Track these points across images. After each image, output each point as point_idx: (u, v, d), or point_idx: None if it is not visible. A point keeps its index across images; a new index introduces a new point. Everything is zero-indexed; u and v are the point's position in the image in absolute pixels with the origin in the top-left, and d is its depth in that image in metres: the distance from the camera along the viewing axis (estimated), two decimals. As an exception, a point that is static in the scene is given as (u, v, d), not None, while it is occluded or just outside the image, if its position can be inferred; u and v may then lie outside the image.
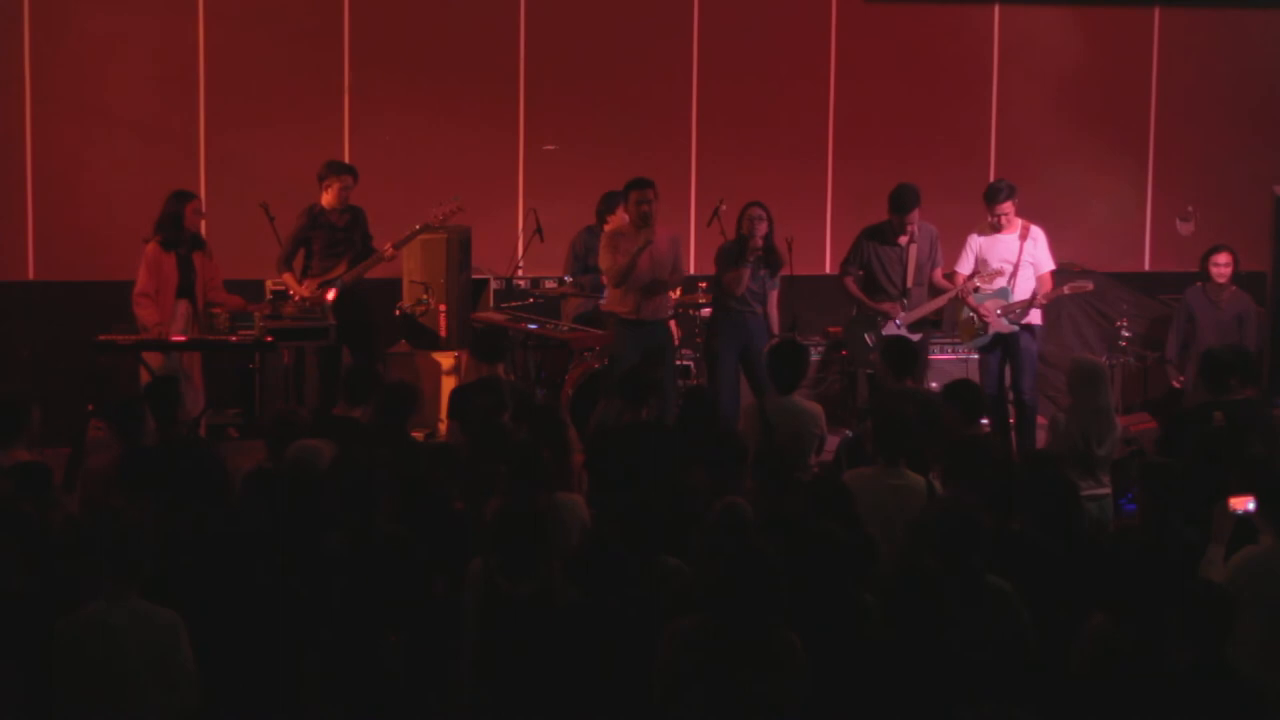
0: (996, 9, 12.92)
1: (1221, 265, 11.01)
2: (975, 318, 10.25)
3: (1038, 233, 10.26)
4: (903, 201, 10.15)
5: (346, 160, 11.15)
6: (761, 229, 10.04)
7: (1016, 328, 10.18)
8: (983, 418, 8.06)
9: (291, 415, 7.63)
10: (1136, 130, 13.10)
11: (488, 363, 8.57)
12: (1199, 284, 11.18)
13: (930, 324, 10.57)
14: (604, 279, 10.16)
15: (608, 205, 10.92)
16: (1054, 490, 6.29)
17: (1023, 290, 10.19)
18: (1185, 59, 13.12)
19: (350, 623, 5.77)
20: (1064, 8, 12.99)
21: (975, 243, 10.33)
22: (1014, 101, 12.93)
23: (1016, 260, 10.19)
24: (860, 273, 10.36)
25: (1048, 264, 10.27)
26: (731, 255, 10.13)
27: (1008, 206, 10.19)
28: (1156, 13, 13.09)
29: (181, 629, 5.43)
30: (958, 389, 7.94)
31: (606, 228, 10.58)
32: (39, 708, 5.54)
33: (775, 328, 10.25)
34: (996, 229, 10.24)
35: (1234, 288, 11.10)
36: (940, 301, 10.31)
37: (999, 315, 10.17)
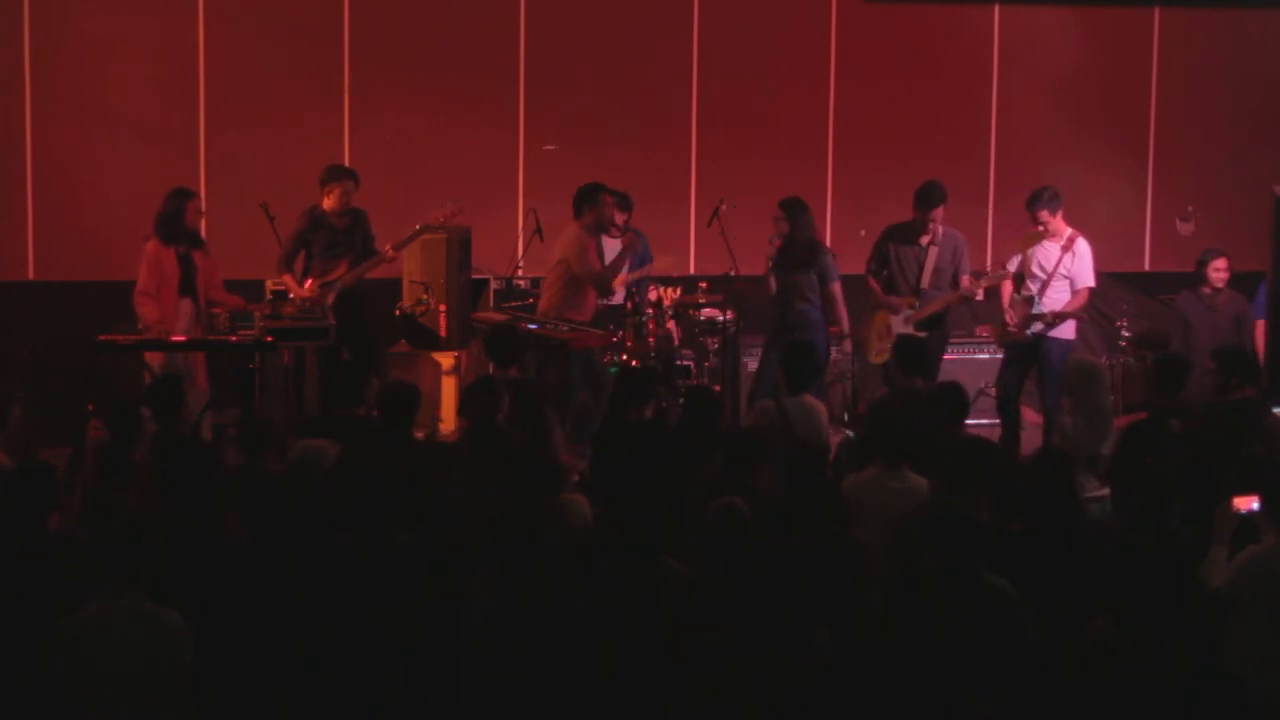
0: (996, 9, 12.92)
1: (1221, 270, 11.01)
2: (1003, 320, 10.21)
3: (1082, 247, 10.04)
4: (926, 197, 10.07)
5: (346, 160, 11.16)
6: (778, 229, 10.07)
7: (1031, 336, 10.10)
8: (965, 419, 8.03)
9: (264, 421, 7.65)
10: (1136, 130, 13.11)
11: (502, 366, 8.57)
12: (1191, 290, 11.17)
13: (932, 325, 10.54)
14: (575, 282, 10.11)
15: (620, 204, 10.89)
16: (1062, 491, 6.30)
17: (1051, 302, 10.06)
18: (1185, 59, 13.13)
19: (351, 624, 5.77)
20: (1064, 8, 13.00)
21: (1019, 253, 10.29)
22: (1014, 101, 12.93)
23: (1052, 270, 10.07)
24: (885, 272, 10.31)
25: (1085, 280, 10.09)
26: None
27: (1043, 214, 10.01)
28: (1156, 13, 13.09)
29: (187, 632, 5.42)
30: (941, 391, 7.95)
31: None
32: (40, 707, 5.54)
33: (841, 324, 10.15)
34: (1041, 236, 10.13)
35: (1229, 290, 11.10)
36: (949, 300, 10.23)
37: (1018, 323, 10.11)
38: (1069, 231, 10.10)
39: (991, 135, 12.95)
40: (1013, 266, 10.26)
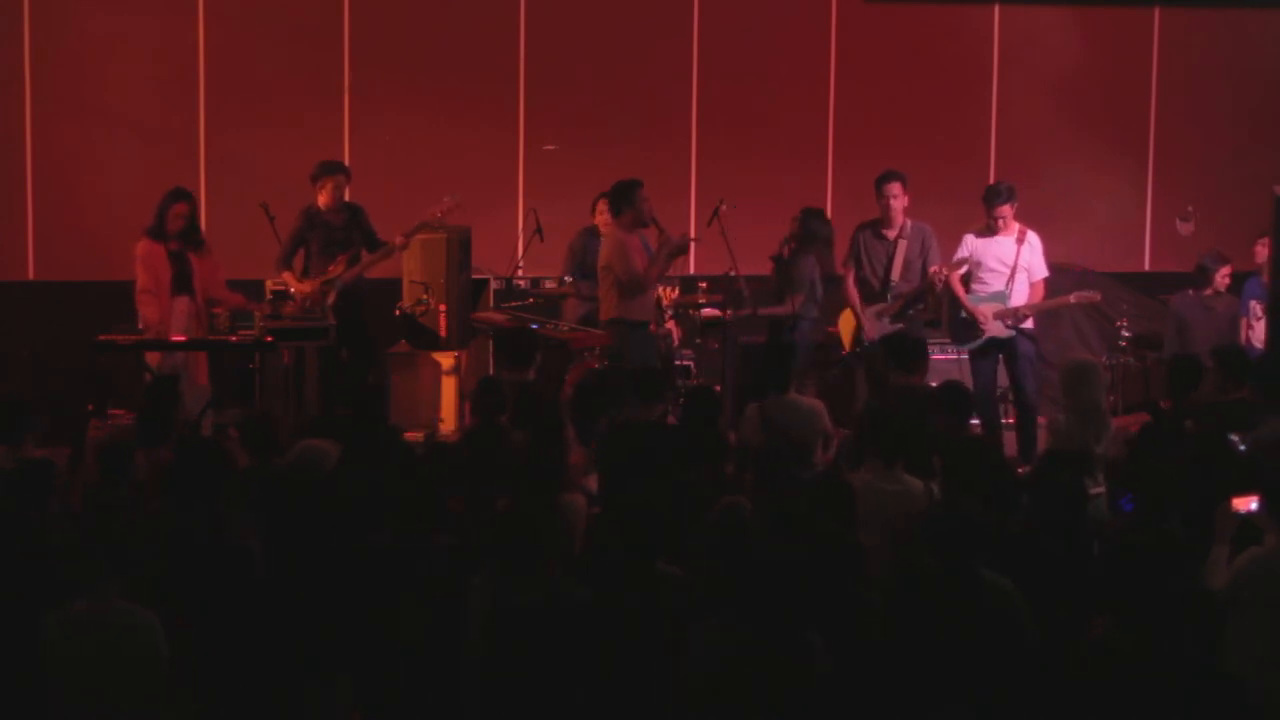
0: (996, 9, 12.93)
1: (1226, 277, 11.12)
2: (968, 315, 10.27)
3: (1034, 238, 10.23)
4: (882, 177, 10.29)
5: (346, 160, 11.16)
6: (792, 229, 10.19)
7: (1014, 332, 10.18)
8: (972, 418, 8.08)
9: (268, 417, 7.69)
10: (1136, 130, 13.11)
11: (518, 368, 8.58)
12: (1189, 292, 11.21)
13: (930, 323, 10.58)
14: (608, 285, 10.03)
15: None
16: (1068, 492, 6.29)
17: (1020, 294, 10.18)
18: (1185, 59, 13.13)
19: (351, 624, 5.77)
20: (1064, 8, 13.00)
21: (970, 243, 10.31)
22: (1014, 101, 12.93)
23: (1013, 264, 10.16)
24: (859, 269, 10.41)
25: (1041, 271, 10.25)
26: None
27: (1005, 210, 10.16)
28: (1156, 13, 13.09)
29: (158, 630, 5.42)
30: (946, 391, 7.96)
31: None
32: (31, 706, 5.55)
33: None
34: (993, 231, 10.22)
35: (1227, 294, 11.17)
36: (914, 289, 10.27)
37: (994, 319, 10.16)
38: (1017, 226, 10.20)
39: (991, 135, 12.95)
40: (964, 254, 10.30)
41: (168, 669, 5.42)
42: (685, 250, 10.38)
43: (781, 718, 5.19)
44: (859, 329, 10.35)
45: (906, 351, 8.67)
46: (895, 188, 10.20)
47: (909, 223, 10.26)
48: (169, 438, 7.42)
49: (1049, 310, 10.46)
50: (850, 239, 10.45)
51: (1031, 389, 10.19)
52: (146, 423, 7.57)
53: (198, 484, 6.33)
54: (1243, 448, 7.48)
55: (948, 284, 10.20)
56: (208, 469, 6.42)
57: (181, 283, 9.90)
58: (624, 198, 10.00)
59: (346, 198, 10.44)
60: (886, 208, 10.21)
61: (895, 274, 10.24)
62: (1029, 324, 10.29)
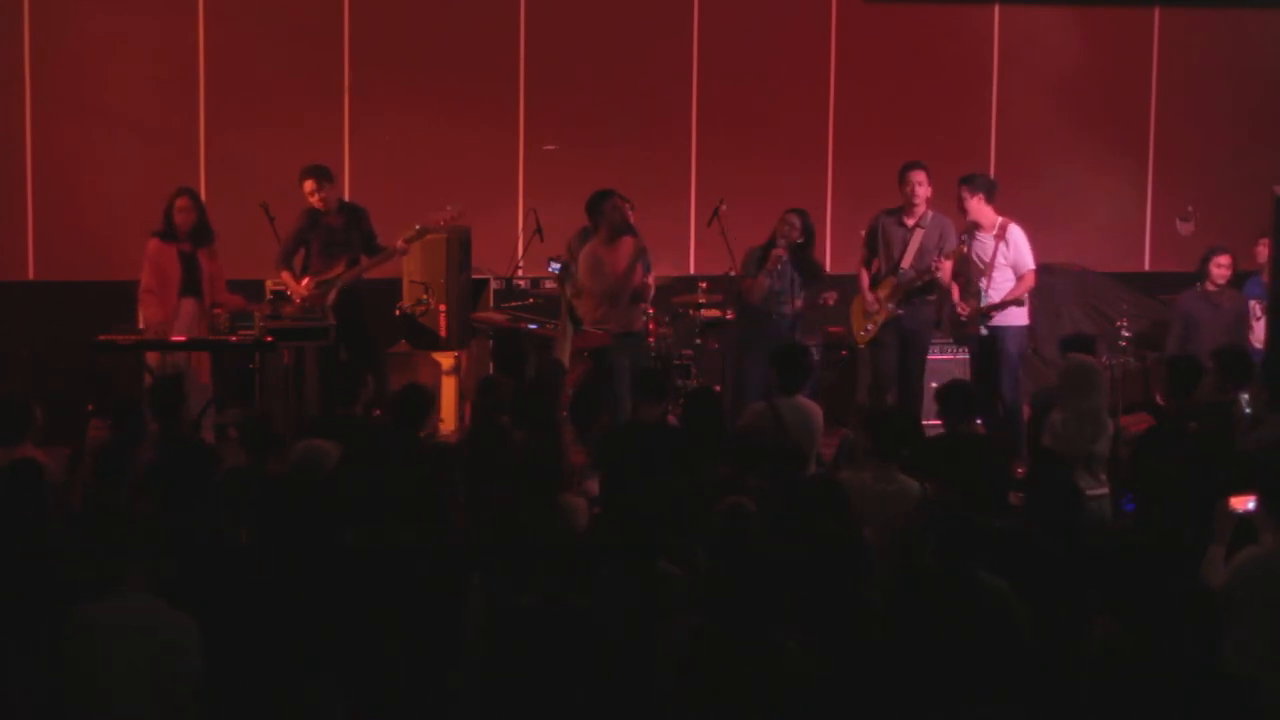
0: (996, 9, 12.93)
1: (1224, 267, 11.06)
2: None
3: (1014, 233, 10.21)
4: (906, 166, 10.25)
5: (346, 160, 11.17)
6: (792, 236, 10.09)
7: (985, 330, 10.18)
8: (975, 417, 8.07)
9: (267, 417, 7.69)
10: (1136, 130, 13.11)
11: (511, 376, 8.59)
12: (1196, 288, 11.20)
13: (935, 324, 10.57)
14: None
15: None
16: (1061, 490, 6.30)
17: (998, 292, 10.18)
18: (1185, 59, 13.13)
19: (351, 624, 5.77)
20: (1064, 8, 13.00)
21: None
22: (1014, 101, 12.93)
23: (990, 260, 10.17)
24: (874, 256, 10.40)
25: (1027, 264, 10.23)
26: (754, 260, 10.17)
27: (963, 191, 10.19)
28: (1156, 13, 13.10)
29: (193, 633, 5.39)
30: (948, 390, 7.98)
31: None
32: (45, 704, 5.55)
33: None
34: (974, 225, 10.22)
35: (1231, 288, 11.15)
36: (920, 280, 10.27)
37: (970, 317, 10.16)
38: (1000, 220, 10.19)
39: (991, 135, 12.95)
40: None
41: (195, 672, 5.40)
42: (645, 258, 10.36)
43: (779, 718, 5.20)
44: (867, 316, 10.29)
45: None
46: (920, 175, 10.19)
47: (930, 213, 10.25)
48: (126, 470, 7.37)
49: (1003, 305, 10.37)
50: (869, 225, 10.43)
51: (1008, 387, 10.15)
52: (124, 420, 7.55)
53: (194, 485, 6.33)
54: (1248, 410, 7.49)
55: (939, 280, 10.21)
56: (203, 470, 6.42)
57: (190, 284, 9.93)
58: (594, 210, 10.10)
59: (346, 196, 10.44)
60: (911, 195, 10.18)
61: (906, 261, 10.22)
62: (1017, 320, 10.24)
